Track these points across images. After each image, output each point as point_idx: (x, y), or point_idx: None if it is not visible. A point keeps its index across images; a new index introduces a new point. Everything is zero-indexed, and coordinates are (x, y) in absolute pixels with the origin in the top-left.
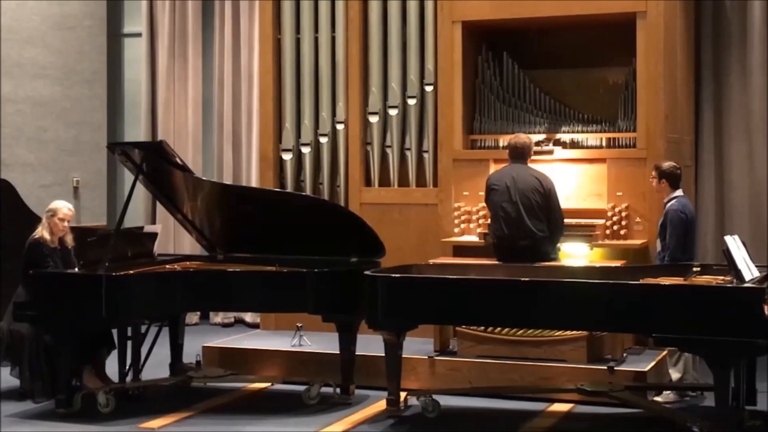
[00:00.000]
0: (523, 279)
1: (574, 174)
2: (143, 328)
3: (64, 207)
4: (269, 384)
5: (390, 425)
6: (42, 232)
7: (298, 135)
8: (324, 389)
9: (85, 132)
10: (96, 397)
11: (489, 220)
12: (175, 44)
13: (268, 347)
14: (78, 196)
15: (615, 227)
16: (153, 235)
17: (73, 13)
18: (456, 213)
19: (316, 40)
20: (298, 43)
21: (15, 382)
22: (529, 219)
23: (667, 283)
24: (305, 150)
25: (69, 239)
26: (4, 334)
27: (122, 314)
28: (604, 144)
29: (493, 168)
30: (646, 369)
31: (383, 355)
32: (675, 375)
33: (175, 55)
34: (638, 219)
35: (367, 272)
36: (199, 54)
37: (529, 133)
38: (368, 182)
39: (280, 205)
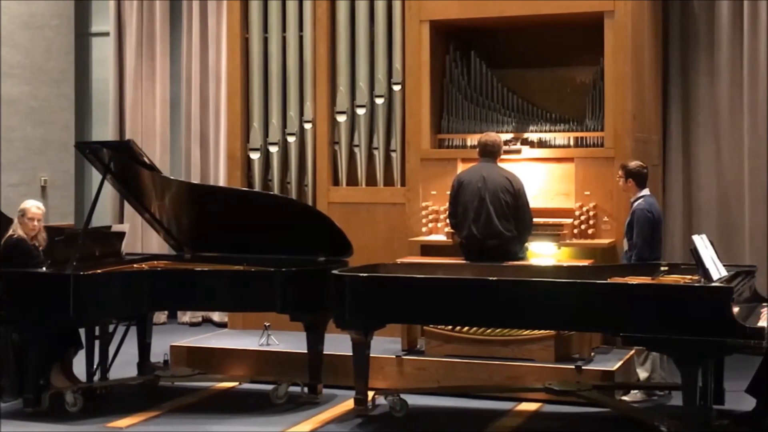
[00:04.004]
0: (490, 278)
1: (542, 173)
2: (111, 328)
3: (32, 206)
4: (237, 383)
5: (358, 424)
6: (18, 231)
7: (266, 134)
8: (292, 388)
9: (52, 131)
10: (64, 396)
11: (448, 217)
12: (142, 44)
13: (236, 346)
14: (45, 195)
15: (582, 226)
16: (121, 235)
17: (41, 13)
18: (424, 212)
19: (283, 39)
20: (265, 42)
21: None
22: (498, 219)
23: (634, 283)
24: (273, 149)
25: (41, 238)
26: None
27: (90, 313)
28: (571, 143)
29: (461, 167)
30: (614, 368)
31: (351, 354)
32: (642, 374)
33: (142, 54)
34: (606, 218)
35: (334, 271)
36: (166, 53)
37: (497, 132)
38: (336, 181)
39: (247, 204)
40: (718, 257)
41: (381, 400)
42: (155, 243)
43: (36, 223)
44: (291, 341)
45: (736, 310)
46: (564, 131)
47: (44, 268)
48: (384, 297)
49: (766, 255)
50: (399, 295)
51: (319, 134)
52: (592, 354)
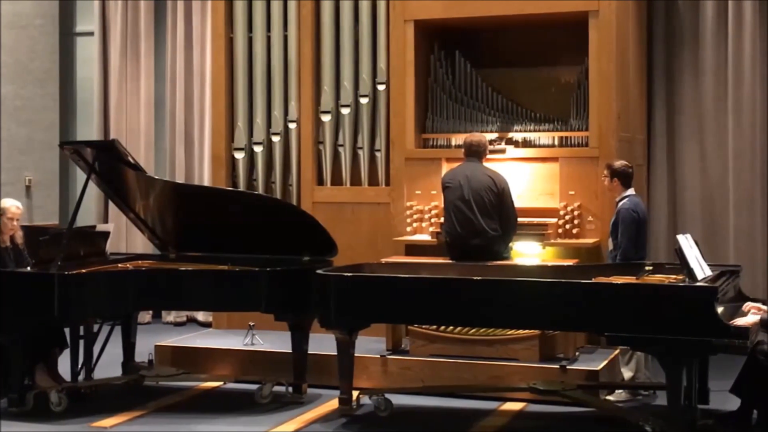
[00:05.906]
0: (475, 278)
1: (527, 173)
2: (95, 327)
3: (12, 206)
4: (221, 383)
5: (342, 424)
6: None
7: (251, 134)
8: (276, 388)
9: (37, 131)
10: (48, 396)
11: (442, 219)
12: (127, 43)
13: (221, 346)
14: (30, 195)
15: (567, 226)
16: (105, 234)
17: (25, 12)
18: (408, 212)
19: (268, 38)
20: (250, 42)
21: None
22: (482, 218)
23: (619, 282)
24: (257, 149)
25: (18, 236)
26: None
27: (75, 313)
28: (556, 143)
29: (445, 167)
30: (599, 368)
31: (335, 354)
32: (627, 374)
33: (127, 54)
34: (590, 218)
35: (319, 271)
36: (151, 53)
37: (482, 132)
38: (320, 181)
39: (232, 204)
40: (703, 257)
41: (366, 399)
42: (140, 243)
43: (15, 222)
44: (276, 341)
45: (720, 309)
46: (548, 131)
47: (29, 268)
48: (368, 297)
49: (751, 254)
50: (383, 295)
51: (304, 134)
52: (577, 353)
